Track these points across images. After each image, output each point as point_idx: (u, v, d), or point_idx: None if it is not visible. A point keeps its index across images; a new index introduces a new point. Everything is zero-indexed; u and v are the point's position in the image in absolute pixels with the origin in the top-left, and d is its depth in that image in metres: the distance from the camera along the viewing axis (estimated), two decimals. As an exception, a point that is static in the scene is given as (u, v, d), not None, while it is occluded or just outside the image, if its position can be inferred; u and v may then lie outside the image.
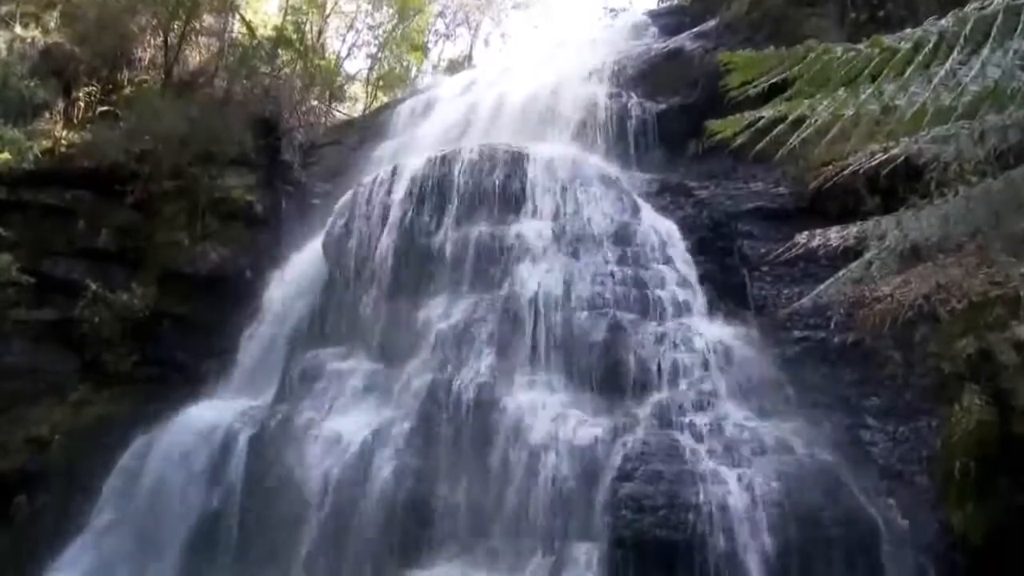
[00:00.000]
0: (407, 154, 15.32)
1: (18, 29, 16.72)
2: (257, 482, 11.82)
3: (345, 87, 27.27)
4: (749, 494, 9.43)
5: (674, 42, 18.46)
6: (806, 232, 7.85)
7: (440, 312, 12.21)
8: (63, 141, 16.27)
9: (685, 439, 10.13)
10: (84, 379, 14.90)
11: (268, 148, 17.95)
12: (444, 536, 10.36)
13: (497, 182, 13.25)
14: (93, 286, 14.75)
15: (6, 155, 13.40)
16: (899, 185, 11.17)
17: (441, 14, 30.54)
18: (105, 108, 17.35)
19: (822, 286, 8.88)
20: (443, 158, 13.79)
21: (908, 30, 5.10)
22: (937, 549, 9.97)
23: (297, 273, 14.92)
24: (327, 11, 25.88)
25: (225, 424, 12.75)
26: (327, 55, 26.04)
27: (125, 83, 18.34)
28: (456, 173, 13.45)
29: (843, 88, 5.33)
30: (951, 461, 10.09)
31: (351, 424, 11.50)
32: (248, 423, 12.51)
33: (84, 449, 13.61)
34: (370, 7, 27.63)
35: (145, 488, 12.71)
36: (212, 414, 13.19)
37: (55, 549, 12.60)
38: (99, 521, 12.78)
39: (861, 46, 5.09)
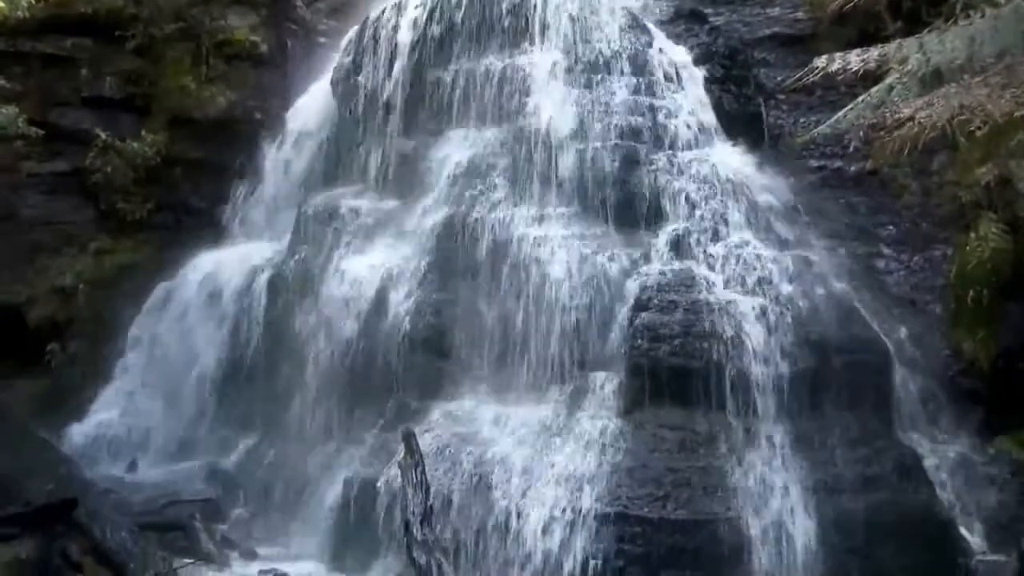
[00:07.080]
0: (412, -14, 14.79)
1: None
2: (277, 321, 12.09)
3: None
4: (763, 322, 9.59)
5: None
6: (824, 56, 7.66)
7: (452, 147, 12.07)
8: (56, -14, 15.77)
9: (700, 269, 10.21)
10: (102, 228, 14.94)
11: (270, -15, 17.38)
12: (464, 369, 10.60)
13: (505, 12, 12.85)
14: (103, 135, 14.57)
15: (-2, 3, 13.01)
16: (922, 7, 10.82)
17: None
18: (96, -52, 16.72)
19: (840, 113, 8.75)
20: (449, -11, 13.34)
21: None
22: (946, 375, 10.22)
23: (307, 113, 14.67)
24: None
25: (243, 267, 12.96)
26: None
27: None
28: (463, 4, 13.04)
29: (868, -102, 5.08)
30: (964, 289, 10.20)
31: (368, 262, 11.58)
32: (265, 265, 12.67)
33: (109, 297, 13.82)
34: None
35: (169, 333, 13.10)
36: (230, 257, 13.40)
37: (90, 393, 13.11)
38: (128, 365, 13.23)
39: None
